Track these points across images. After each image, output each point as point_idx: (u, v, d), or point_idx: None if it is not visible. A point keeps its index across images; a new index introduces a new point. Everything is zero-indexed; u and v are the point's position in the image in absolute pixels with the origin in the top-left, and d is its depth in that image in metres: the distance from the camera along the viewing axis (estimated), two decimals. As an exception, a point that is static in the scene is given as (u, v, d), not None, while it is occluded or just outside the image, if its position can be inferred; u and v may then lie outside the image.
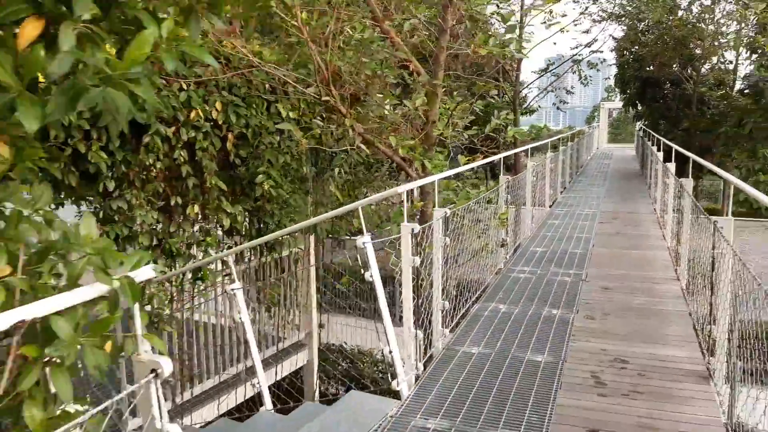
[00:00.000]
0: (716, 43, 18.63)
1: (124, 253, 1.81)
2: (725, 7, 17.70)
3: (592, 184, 16.36)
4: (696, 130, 20.34)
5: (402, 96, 6.71)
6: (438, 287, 4.80)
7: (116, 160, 4.67)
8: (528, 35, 16.15)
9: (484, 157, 6.93)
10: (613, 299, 5.98)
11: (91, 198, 5.05)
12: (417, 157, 5.63)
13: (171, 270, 5.26)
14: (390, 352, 3.92)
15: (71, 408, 1.66)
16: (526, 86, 20.91)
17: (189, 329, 5.99)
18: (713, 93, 20.24)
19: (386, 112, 5.89)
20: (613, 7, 19.59)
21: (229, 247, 6.05)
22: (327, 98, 5.36)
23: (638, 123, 26.52)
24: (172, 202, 5.11)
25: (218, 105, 5.11)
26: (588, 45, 19.49)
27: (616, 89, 27.05)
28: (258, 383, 4.63)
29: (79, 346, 1.61)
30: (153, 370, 1.80)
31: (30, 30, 1.37)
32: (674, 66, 20.97)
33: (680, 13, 18.54)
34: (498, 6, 5.96)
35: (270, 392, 7.35)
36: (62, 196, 4.96)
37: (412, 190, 7.20)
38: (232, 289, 4.53)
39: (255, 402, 6.31)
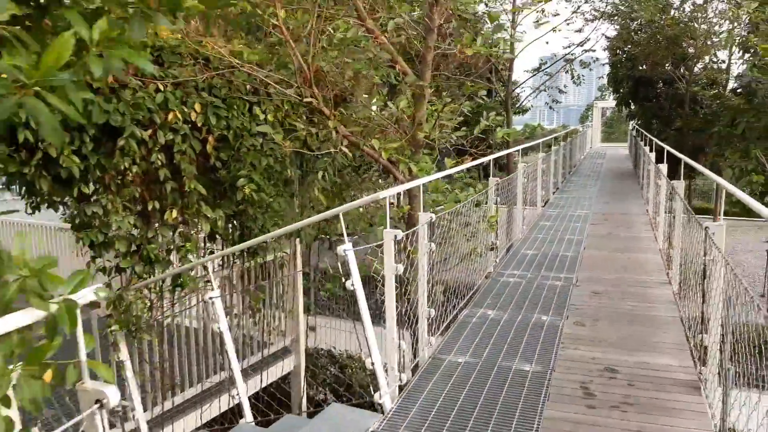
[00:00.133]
0: (709, 43, 18.57)
1: (86, 271, 1.67)
2: (717, 6, 17.65)
3: (585, 185, 16.28)
4: (689, 129, 20.29)
5: (388, 97, 6.58)
6: (423, 294, 4.67)
7: (90, 164, 4.52)
8: (520, 34, 16.07)
9: (473, 159, 6.79)
10: (603, 304, 5.86)
11: (67, 203, 4.89)
12: (403, 160, 5.49)
13: (149, 277, 5.11)
14: (372, 363, 3.78)
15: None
16: (519, 86, 20.80)
17: (171, 336, 5.84)
18: (706, 92, 20.18)
19: (372, 114, 5.75)
20: (606, 6, 19.50)
21: (211, 253, 5.90)
22: (309, 99, 5.21)
23: (631, 122, 26.48)
24: (150, 207, 4.95)
25: (197, 107, 4.95)
26: (580, 44, 19.41)
27: (609, 88, 26.99)
28: (238, 394, 4.49)
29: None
30: (98, 401, 1.65)
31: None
32: (667, 65, 20.91)
33: (673, 12, 18.47)
34: (486, 5, 5.81)
35: (257, 398, 7.23)
36: (37, 201, 4.81)
37: (399, 193, 7.08)
38: (211, 298, 4.39)
39: (241, 410, 6.18)
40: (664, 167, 8.59)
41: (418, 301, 4.71)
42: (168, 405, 5.79)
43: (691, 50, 19.73)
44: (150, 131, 4.71)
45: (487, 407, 3.83)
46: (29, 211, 4.94)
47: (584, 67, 20.60)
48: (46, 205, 4.88)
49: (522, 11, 14.82)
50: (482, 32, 5.51)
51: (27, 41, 1.38)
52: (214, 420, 6.33)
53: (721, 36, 17.83)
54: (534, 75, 21.09)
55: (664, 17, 18.21)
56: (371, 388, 3.84)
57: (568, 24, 17.22)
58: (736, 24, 16.69)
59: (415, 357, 4.79)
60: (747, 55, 16.52)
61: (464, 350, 4.77)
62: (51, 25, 1.52)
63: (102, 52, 1.40)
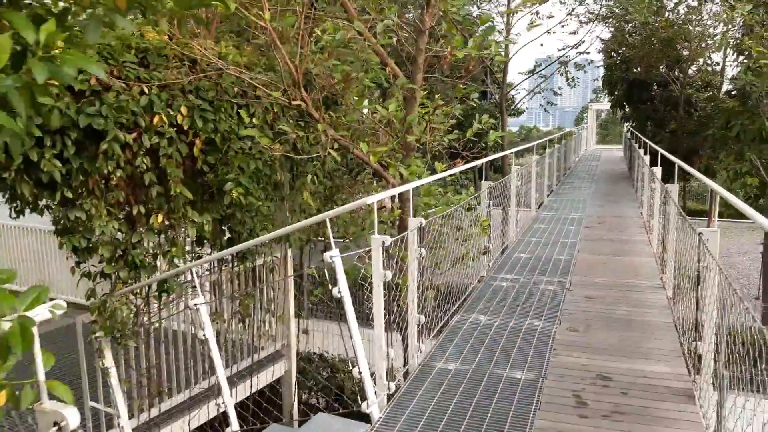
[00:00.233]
0: (703, 45, 18.56)
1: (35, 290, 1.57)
2: (712, 8, 17.64)
3: (580, 187, 16.23)
4: (683, 131, 20.28)
5: (381, 100, 6.50)
6: (413, 300, 4.59)
7: (72, 168, 4.42)
8: (515, 36, 16.03)
9: (466, 162, 6.72)
10: (597, 309, 5.79)
11: (51, 207, 4.79)
12: (393, 164, 5.40)
13: (135, 282, 5.01)
14: (360, 373, 3.70)
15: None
16: (513, 88, 20.76)
17: (158, 341, 5.74)
18: (700, 95, 20.17)
19: (362, 117, 5.66)
20: (600, 9, 19.48)
21: (199, 257, 5.80)
22: (297, 102, 5.12)
23: (626, 124, 26.48)
24: (135, 212, 4.86)
25: (183, 109, 4.86)
26: (575, 46, 19.38)
27: (604, 91, 26.99)
28: (223, 403, 4.40)
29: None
30: (56, 423, 1.56)
31: None
32: (661, 68, 20.90)
33: (667, 14, 18.45)
34: (478, 7, 5.74)
35: (247, 402, 7.13)
36: (21, 205, 4.70)
37: (394, 196, 7.00)
38: (196, 305, 4.30)
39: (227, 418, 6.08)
40: (658, 170, 8.54)
41: (408, 307, 4.63)
42: (155, 412, 5.70)
43: (685, 53, 19.73)
44: (134, 134, 4.61)
45: (477, 417, 3.75)
46: (13, 215, 4.84)
47: (579, 70, 20.56)
48: (30, 209, 4.78)
49: (516, 13, 14.78)
50: (477, 34, 5.42)
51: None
52: (201, 428, 6.24)
53: (715, 38, 17.82)
54: (529, 77, 21.06)
55: (658, 19, 18.19)
56: (359, 397, 3.76)
57: (562, 26, 17.18)
58: (730, 26, 16.67)
59: (405, 363, 4.71)
60: (741, 58, 16.49)
61: (455, 357, 4.69)
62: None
63: (53, 56, 1.30)
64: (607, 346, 4.86)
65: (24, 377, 1.64)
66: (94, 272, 5.02)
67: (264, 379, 7.00)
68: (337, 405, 8.40)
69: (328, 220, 3.83)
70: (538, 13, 15.60)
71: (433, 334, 5.34)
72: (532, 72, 20.83)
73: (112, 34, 4.65)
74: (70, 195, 4.54)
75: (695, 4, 17.71)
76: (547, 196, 13.93)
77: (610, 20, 19.88)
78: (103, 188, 4.64)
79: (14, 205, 4.70)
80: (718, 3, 17.05)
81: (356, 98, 5.76)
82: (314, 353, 9.46)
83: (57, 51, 1.39)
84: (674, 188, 6.27)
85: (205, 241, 5.68)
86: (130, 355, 5.44)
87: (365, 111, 6.48)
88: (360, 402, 3.76)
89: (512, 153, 12.10)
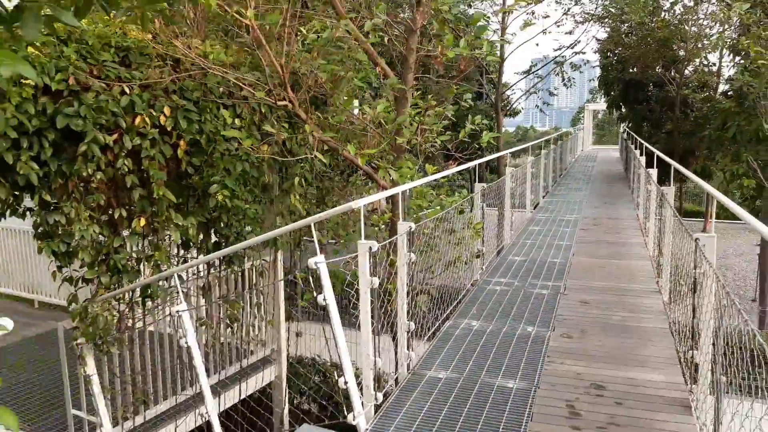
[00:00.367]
0: (699, 45, 18.48)
1: None
2: (708, 8, 17.55)
3: (576, 188, 16.14)
4: (679, 132, 20.21)
5: (372, 100, 6.37)
6: (403, 307, 4.46)
7: (51, 171, 4.28)
8: (510, 36, 15.92)
9: (459, 164, 6.59)
10: (592, 315, 5.67)
11: (33, 210, 4.65)
12: (382, 166, 5.27)
13: (117, 288, 4.87)
14: (346, 383, 3.57)
15: None
16: (509, 88, 20.65)
17: (142, 347, 5.60)
18: (696, 95, 20.10)
19: (350, 118, 5.53)
20: (596, 9, 19.39)
21: (185, 261, 5.67)
22: (284, 103, 4.99)
23: (622, 125, 26.41)
24: (117, 215, 4.72)
25: (166, 110, 4.72)
26: (571, 46, 19.28)
27: (600, 91, 26.92)
28: (207, 413, 4.26)
29: None
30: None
31: None
32: (657, 68, 20.83)
33: (663, 14, 18.36)
34: (470, 6, 5.61)
35: (234, 412, 6.99)
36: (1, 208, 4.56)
37: (388, 198, 6.87)
38: (178, 311, 4.17)
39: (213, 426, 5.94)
40: (654, 172, 8.43)
41: (398, 314, 4.51)
42: (139, 420, 5.55)
43: (681, 53, 19.66)
44: (115, 136, 4.47)
45: (467, 428, 3.63)
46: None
47: (575, 70, 20.46)
48: (9, 212, 4.64)
49: (511, 13, 14.66)
50: (467, 34, 5.30)
51: None
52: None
53: (711, 38, 17.74)
54: (524, 77, 20.95)
55: (654, 20, 18.11)
56: (344, 408, 3.63)
57: (558, 26, 17.07)
58: (726, 26, 16.59)
59: (396, 368, 4.58)
60: (737, 58, 16.41)
61: (446, 365, 4.57)
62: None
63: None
64: (601, 353, 4.74)
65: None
66: (76, 277, 4.88)
67: (253, 384, 6.86)
68: (329, 410, 8.26)
69: (313, 225, 3.70)
70: (533, 13, 15.49)
71: (425, 339, 5.22)
72: (528, 72, 20.72)
73: (92, 32, 4.51)
74: (48, 198, 4.40)
75: (691, 4, 17.62)
76: (543, 197, 13.83)
77: (606, 20, 19.79)
78: (83, 191, 4.50)
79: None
80: (714, 3, 16.96)
81: (345, 99, 5.62)
82: (306, 357, 9.31)
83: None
84: (670, 191, 6.15)
85: (192, 245, 5.54)
86: (114, 362, 5.30)
87: (355, 111, 6.35)
88: (347, 412, 3.64)
89: (508, 154, 11.99)
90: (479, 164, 7.13)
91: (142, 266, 5.07)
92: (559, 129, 30.88)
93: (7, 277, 9.72)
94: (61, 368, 5.51)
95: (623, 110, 24.34)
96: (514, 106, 22.17)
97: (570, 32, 19.68)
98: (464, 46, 5.01)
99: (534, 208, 12.30)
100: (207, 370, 6.25)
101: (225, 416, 6.39)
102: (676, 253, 5.39)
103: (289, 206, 5.93)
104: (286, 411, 7.62)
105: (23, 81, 3.88)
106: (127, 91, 4.49)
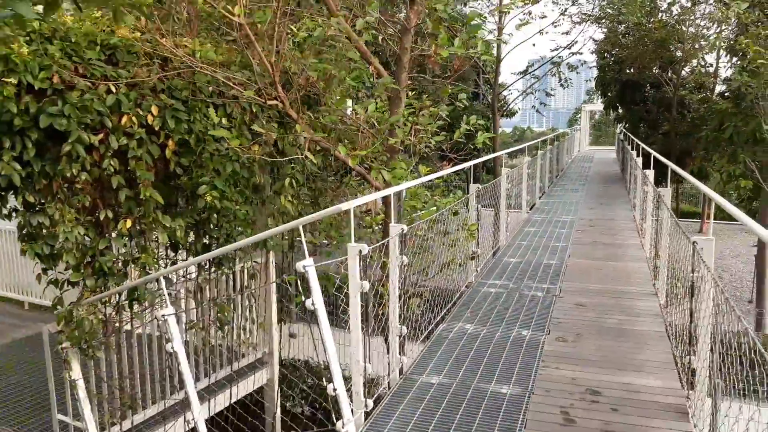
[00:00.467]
0: (696, 46, 18.44)
1: None
2: (705, 8, 17.51)
3: (572, 189, 16.08)
4: (676, 133, 20.16)
5: (368, 100, 6.28)
6: (395, 311, 4.37)
7: (34, 171, 4.18)
8: (506, 37, 15.85)
9: (454, 164, 6.51)
10: (587, 318, 5.59)
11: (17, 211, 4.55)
12: (375, 167, 5.18)
13: (103, 290, 4.77)
14: (335, 390, 3.48)
15: None
16: (506, 88, 20.59)
17: (130, 351, 5.50)
18: (693, 96, 20.07)
19: (342, 118, 5.44)
20: (593, 9, 19.34)
21: (174, 264, 5.57)
22: (273, 102, 4.89)
23: (619, 126, 26.37)
24: (102, 216, 4.61)
25: (154, 109, 4.62)
26: (568, 47, 19.22)
27: (597, 92, 26.88)
28: (194, 419, 4.16)
29: None
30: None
31: None
32: (654, 69, 20.79)
33: (660, 15, 18.32)
34: (465, 5, 5.53)
35: (227, 413, 6.89)
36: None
37: (375, 200, 6.78)
38: (164, 315, 4.07)
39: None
40: (651, 173, 8.35)
41: (390, 318, 4.42)
42: (126, 425, 5.45)
43: (678, 53, 19.62)
44: (101, 135, 4.37)
45: (459, 436, 3.54)
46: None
47: (572, 70, 20.41)
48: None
49: (508, 13, 14.59)
50: (462, 33, 5.21)
51: None
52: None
53: (709, 39, 17.70)
54: (521, 77, 20.89)
55: (651, 20, 18.06)
56: (333, 416, 3.54)
57: (555, 26, 17.03)
58: (724, 26, 16.54)
59: (389, 372, 4.49)
60: (735, 59, 16.35)
61: (438, 370, 4.48)
62: None
63: None
64: (597, 357, 4.66)
65: None
66: (62, 279, 4.78)
67: (244, 388, 6.77)
68: (321, 414, 8.16)
69: (301, 227, 3.61)
70: (530, 13, 15.43)
71: (419, 341, 5.14)
72: (524, 72, 20.66)
73: (78, 29, 4.41)
74: (32, 199, 4.30)
75: (689, 5, 17.58)
76: (539, 197, 13.76)
77: (603, 21, 19.74)
78: (68, 192, 4.40)
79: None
80: (711, 3, 16.91)
81: (338, 98, 5.53)
82: (299, 360, 9.21)
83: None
84: (667, 192, 6.08)
85: (181, 247, 5.44)
86: (101, 366, 5.20)
87: (349, 111, 6.27)
88: (335, 420, 3.54)
89: (504, 154, 11.92)
90: (476, 165, 7.05)
91: (129, 269, 4.97)
92: (556, 130, 30.87)
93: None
94: (47, 372, 5.41)
95: (620, 111, 24.30)
96: (511, 106, 22.12)
97: (567, 33, 19.59)
98: (459, 45, 4.92)
99: (530, 209, 12.23)
100: (196, 374, 6.17)
101: (215, 421, 6.29)
102: (673, 255, 5.31)
103: (280, 207, 5.83)
104: (278, 415, 7.52)
105: (4, 80, 3.79)
106: (114, 89, 4.39)
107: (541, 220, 11.03)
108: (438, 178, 6.85)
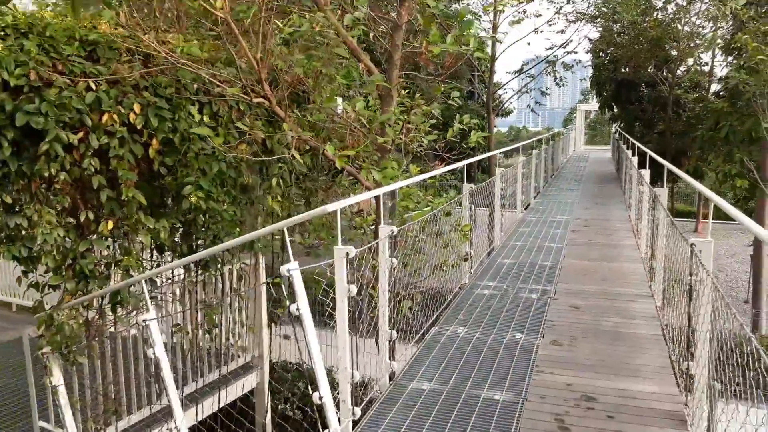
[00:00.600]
0: (692, 45, 18.37)
1: None
2: (701, 7, 17.43)
3: (567, 189, 15.99)
4: (671, 132, 20.10)
5: (359, 98, 6.14)
6: (384, 315, 4.25)
7: (10, 171, 4.04)
8: (501, 35, 15.73)
9: (447, 164, 6.38)
10: (582, 321, 5.48)
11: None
12: (365, 167, 5.05)
13: (84, 294, 4.63)
14: (320, 398, 3.35)
15: None
16: (501, 87, 20.48)
17: (113, 356, 5.36)
18: (689, 95, 20.00)
19: (331, 116, 5.31)
20: (588, 8, 19.24)
21: (158, 266, 5.43)
22: (259, 100, 4.76)
23: (614, 125, 26.31)
24: (83, 218, 4.47)
25: (136, 107, 4.47)
26: (563, 46, 19.13)
27: (593, 91, 26.81)
28: (176, 428, 4.03)
29: None
30: None
31: None
32: (649, 68, 20.72)
33: (655, 14, 18.24)
34: (458, 2, 5.40)
35: (216, 417, 6.75)
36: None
37: (377, 197, 6.64)
38: (145, 320, 3.93)
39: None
40: (646, 173, 8.25)
41: (379, 322, 4.29)
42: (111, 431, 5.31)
43: (674, 52, 19.54)
44: (80, 134, 4.23)
45: (450, 446, 3.42)
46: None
47: (567, 70, 20.31)
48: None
49: (503, 11, 14.48)
50: (454, 30, 5.10)
51: None
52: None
53: (705, 37, 17.62)
54: (516, 76, 20.79)
55: (646, 19, 17.98)
56: (320, 426, 3.41)
57: (550, 25, 16.92)
58: (719, 24, 16.47)
59: (380, 378, 4.36)
60: (730, 58, 16.28)
61: (430, 375, 4.36)
62: None
63: None
64: (592, 362, 4.54)
65: None
66: (42, 283, 4.63)
67: (234, 392, 6.63)
68: (312, 418, 8.03)
69: (285, 229, 3.48)
70: (525, 12, 15.32)
71: (412, 343, 5.02)
72: (519, 71, 20.56)
73: (56, 25, 4.27)
74: (9, 200, 4.15)
75: (684, 3, 17.51)
76: (534, 197, 13.66)
77: (598, 19, 19.65)
78: (46, 192, 4.26)
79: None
80: (707, 1, 16.83)
81: (327, 96, 5.40)
82: (290, 363, 9.08)
83: None
84: (663, 192, 5.97)
85: (166, 249, 5.31)
86: (83, 371, 5.06)
87: (339, 110, 6.13)
88: (321, 429, 3.42)
89: (499, 153, 11.80)
90: (470, 164, 6.93)
91: (111, 271, 4.82)
92: (552, 129, 30.78)
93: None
94: (27, 378, 5.26)
95: (615, 110, 24.23)
96: (506, 105, 22.01)
97: (562, 31, 19.52)
98: (450, 42, 4.80)
99: (525, 209, 12.12)
100: (184, 378, 6.03)
101: (206, 423, 6.16)
102: (669, 256, 5.20)
103: (268, 208, 5.69)
104: (268, 419, 7.39)
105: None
106: (93, 87, 4.24)
107: (536, 220, 10.92)
108: (432, 177, 6.73)
